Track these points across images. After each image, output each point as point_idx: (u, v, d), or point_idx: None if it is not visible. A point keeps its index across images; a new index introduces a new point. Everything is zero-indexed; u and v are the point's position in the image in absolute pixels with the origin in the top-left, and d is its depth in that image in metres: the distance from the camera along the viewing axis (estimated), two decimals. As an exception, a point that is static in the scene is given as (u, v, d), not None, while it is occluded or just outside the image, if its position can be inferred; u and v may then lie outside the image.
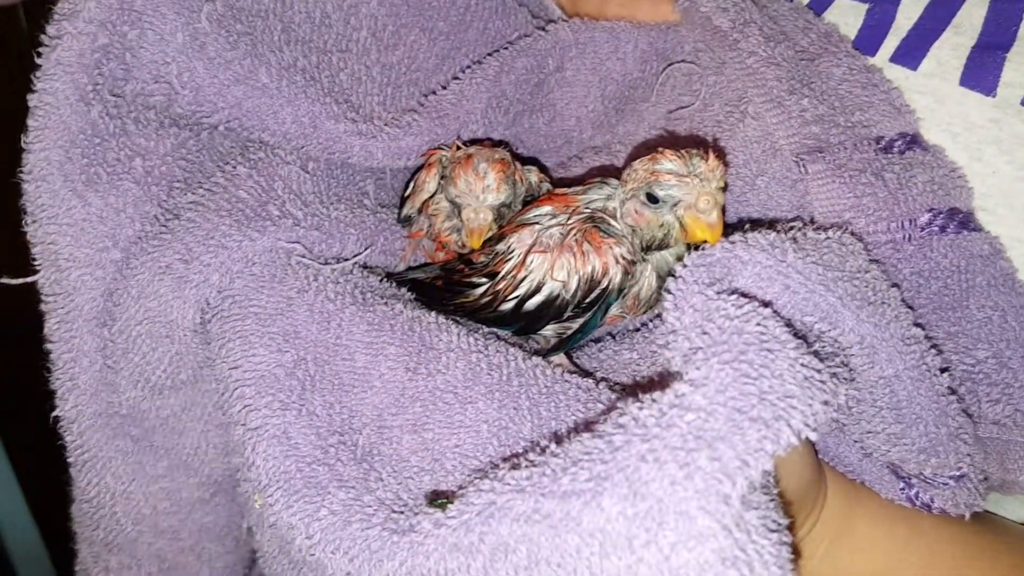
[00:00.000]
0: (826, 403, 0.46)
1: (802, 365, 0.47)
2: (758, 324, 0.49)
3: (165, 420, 0.72)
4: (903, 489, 0.66)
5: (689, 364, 0.48)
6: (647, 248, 0.66)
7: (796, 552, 0.43)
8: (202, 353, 0.68)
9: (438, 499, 0.55)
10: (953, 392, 0.63)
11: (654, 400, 0.46)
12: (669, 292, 0.56)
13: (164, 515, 0.75)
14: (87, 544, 0.77)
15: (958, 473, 0.63)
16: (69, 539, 0.79)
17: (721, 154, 0.73)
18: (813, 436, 0.44)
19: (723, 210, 0.63)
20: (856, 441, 0.67)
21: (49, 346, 0.70)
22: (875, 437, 0.64)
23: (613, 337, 0.77)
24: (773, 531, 0.42)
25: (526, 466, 0.47)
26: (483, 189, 0.70)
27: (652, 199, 0.63)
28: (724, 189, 0.63)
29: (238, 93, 0.70)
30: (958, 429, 0.63)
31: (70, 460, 0.73)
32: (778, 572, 0.40)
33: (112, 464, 0.72)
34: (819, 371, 0.48)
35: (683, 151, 0.63)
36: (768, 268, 0.56)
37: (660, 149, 0.63)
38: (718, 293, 0.53)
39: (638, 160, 0.65)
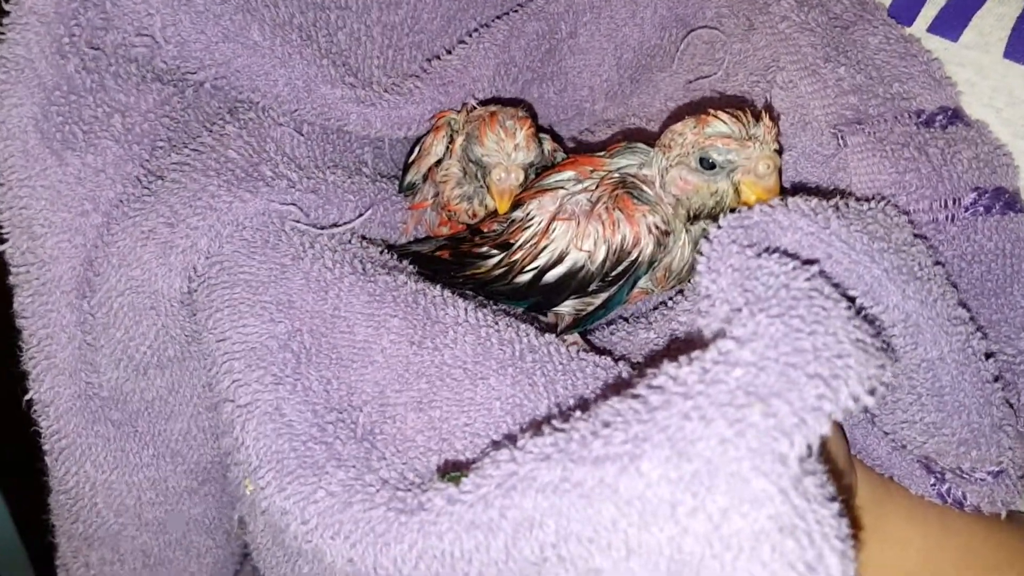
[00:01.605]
0: (881, 367, 0.43)
1: (854, 326, 0.44)
2: (807, 280, 0.46)
3: (150, 403, 0.69)
4: (934, 484, 0.63)
5: (732, 324, 0.45)
6: (694, 218, 0.63)
7: (855, 526, 0.41)
8: (190, 327, 0.65)
9: (450, 472, 0.52)
10: (998, 379, 0.61)
11: (694, 359, 0.43)
12: (703, 255, 0.53)
13: (149, 506, 0.72)
14: (66, 538, 0.74)
15: (997, 468, 0.61)
16: (48, 533, 0.75)
17: (772, 113, 0.71)
18: (870, 401, 0.41)
19: (780, 173, 0.61)
20: (887, 433, 0.64)
21: (22, 322, 0.66)
22: (911, 427, 0.61)
23: (626, 320, 0.74)
24: (832, 500, 0.39)
25: (550, 432, 0.44)
26: (514, 147, 0.67)
27: (707, 165, 0.60)
28: (780, 151, 0.61)
29: (227, 51, 0.67)
30: (1002, 420, 0.60)
31: (46, 447, 0.69)
32: (839, 546, 0.37)
33: (92, 451, 0.69)
34: (871, 335, 0.45)
35: (736, 112, 0.61)
36: (809, 235, 0.53)
37: (709, 111, 0.61)
38: (758, 254, 0.51)
39: (681, 123, 0.62)
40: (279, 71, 0.69)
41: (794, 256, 0.52)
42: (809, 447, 0.38)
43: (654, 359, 0.65)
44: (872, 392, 0.41)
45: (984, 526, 0.64)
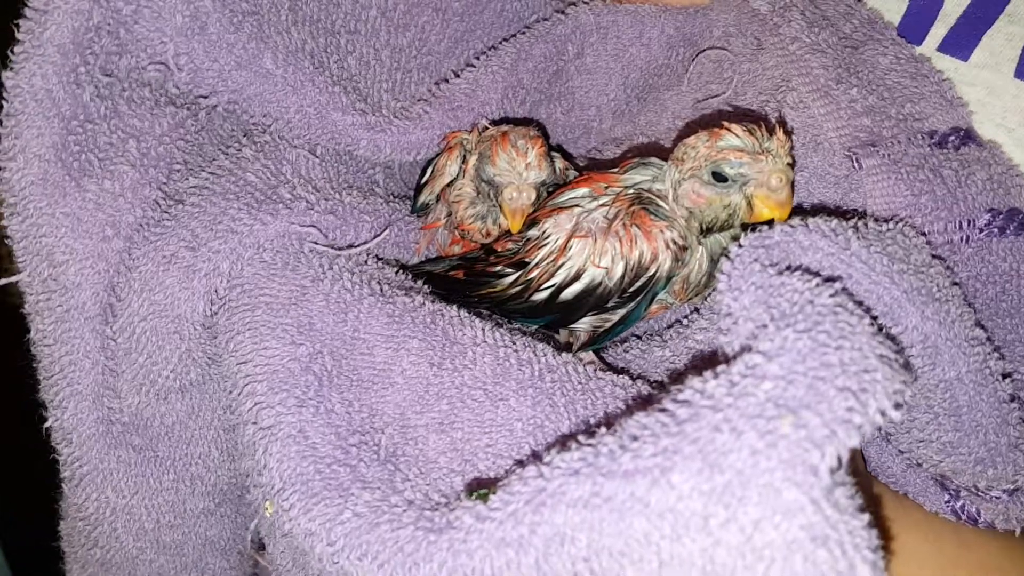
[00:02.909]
0: (905, 383, 0.44)
1: (879, 341, 0.45)
2: (831, 296, 0.47)
3: (171, 428, 0.70)
4: (948, 501, 0.64)
5: (758, 340, 0.46)
6: (707, 231, 0.64)
7: (885, 537, 0.41)
8: (211, 350, 0.66)
9: (478, 490, 0.53)
10: (1014, 399, 0.61)
11: (720, 372, 0.43)
12: (724, 274, 0.54)
13: (167, 529, 0.73)
14: (80, 565, 0.74)
15: (1013, 487, 0.61)
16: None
17: (786, 127, 0.71)
18: (896, 415, 0.41)
19: (792, 187, 0.61)
20: (903, 451, 0.65)
21: (42, 350, 0.67)
22: (928, 446, 0.62)
23: (640, 338, 0.75)
24: (862, 511, 0.40)
25: (577, 448, 0.45)
26: (526, 166, 0.68)
27: (719, 178, 0.61)
28: (792, 165, 0.61)
29: (240, 78, 0.68)
30: (1018, 439, 0.61)
31: (65, 474, 0.70)
32: (871, 556, 0.38)
33: (113, 477, 0.69)
34: (895, 351, 0.46)
35: (749, 125, 0.61)
36: (830, 256, 0.54)
37: (723, 124, 0.62)
38: (779, 272, 0.52)
39: (694, 137, 0.63)
40: (291, 98, 0.70)
41: (815, 275, 0.53)
42: (839, 459, 0.39)
43: (676, 376, 0.65)
44: (898, 407, 0.42)
45: (999, 543, 0.65)
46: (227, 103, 0.70)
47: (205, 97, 0.69)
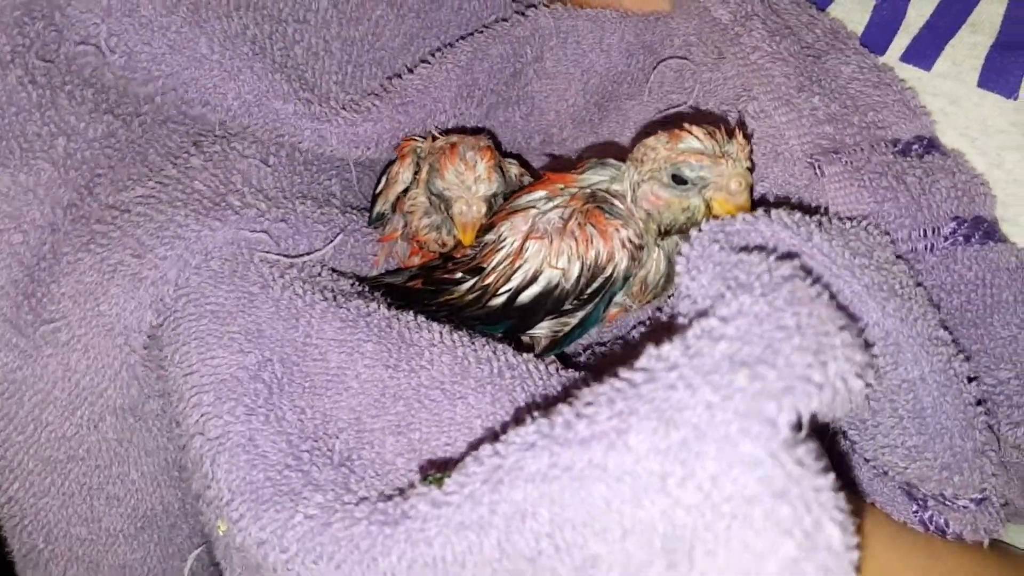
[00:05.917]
0: (867, 358, 0.43)
1: (839, 314, 0.45)
2: (790, 269, 0.47)
3: (88, 451, 0.68)
4: (916, 512, 0.64)
5: (714, 308, 0.46)
6: (665, 233, 0.64)
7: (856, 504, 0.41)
8: (155, 371, 0.66)
9: (432, 474, 0.52)
10: (980, 403, 0.62)
11: (676, 337, 0.43)
12: (682, 256, 0.54)
13: (80, 542, 0.70)
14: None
15: (980, 496, 0.61)
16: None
17: (745, 131, 0.72)
18: (858, 386, 0.41)
19: (751, 191, 0.62)
20: (868, 459, 0.65)
21: None
22: (893, 452, 0.62)
23: (604, 345, 0.75)
24: (828, 472, 0.39)
25: (532, 421, 0.44)
26: (475, 179, 0.69)
27: (679, 180, 0.62)
28: (752, 169, 0.62)
29: (174, 63, 0.69)
30: (984, 444, 0.61)
31: None
32: (839, 516, 0.37)
33: (20, 474, 0.67)
34: (855, 329, 0.46)
35: (709, 128, 0.62)
36: (791, 247, 0.55)
37: (684, 126, 0.63)
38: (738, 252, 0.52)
39: (653, 138, 0.64)
40: (228, 84, 0.70)
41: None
42: (800, 420, 0.39)
43: (632, 347, 0.66)
44: (859, 377, 0.41)
45: (970, 554, 0.64)
46: (163, 90, 0.70)
47: (142, 85, 0.69)
